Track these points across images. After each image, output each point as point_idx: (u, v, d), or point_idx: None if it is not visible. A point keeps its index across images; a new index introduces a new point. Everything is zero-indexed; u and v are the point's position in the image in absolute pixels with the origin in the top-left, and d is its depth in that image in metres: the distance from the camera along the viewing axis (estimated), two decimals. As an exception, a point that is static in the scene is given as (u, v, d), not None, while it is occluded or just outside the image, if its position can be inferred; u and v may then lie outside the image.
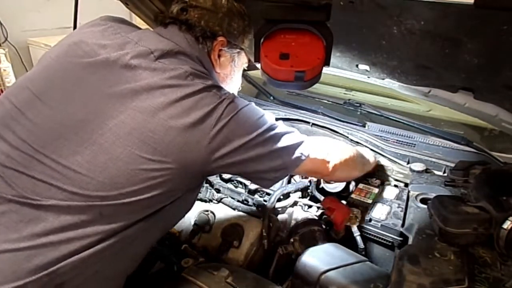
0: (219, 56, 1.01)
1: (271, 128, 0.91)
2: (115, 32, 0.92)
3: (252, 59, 1.10)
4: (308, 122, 1.65)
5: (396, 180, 1.43)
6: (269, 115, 0.94)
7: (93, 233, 0.76)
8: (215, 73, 1.03)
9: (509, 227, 0.84)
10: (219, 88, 0.90)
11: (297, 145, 0.95)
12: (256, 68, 1.13)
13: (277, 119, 1.69)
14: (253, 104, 0.92)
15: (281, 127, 0.95)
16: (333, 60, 1.01)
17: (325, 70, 0.99)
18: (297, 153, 0.94)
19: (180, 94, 0.82)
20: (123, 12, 1.72)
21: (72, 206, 0.76)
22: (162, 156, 0.79)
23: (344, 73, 1.56)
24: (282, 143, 0.92)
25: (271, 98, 2.02)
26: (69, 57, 0.88)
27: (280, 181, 1.34)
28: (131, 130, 0.79)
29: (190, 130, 0.81)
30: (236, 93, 1.10)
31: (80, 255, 0.75)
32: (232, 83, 1.11)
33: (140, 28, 1.00)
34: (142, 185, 0.79)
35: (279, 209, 1.30)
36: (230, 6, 0.99)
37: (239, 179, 1.39)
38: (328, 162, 1.04)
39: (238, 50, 1.06)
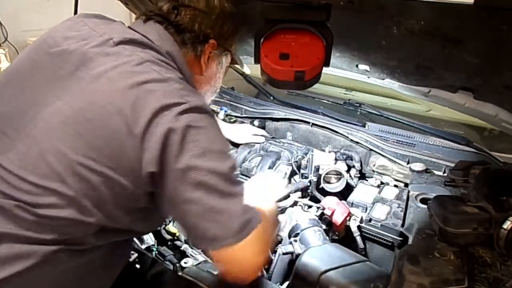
0: (208, 59, 0.97)
1: (228, 175, 0.76)
2: (83, 25, 0.85)
3: (237, 59, 1.11)
4: (308, 122, 1.65)
5: (396, 180, 1.44)
6: (232, 160, 0.81)
7: (25, 252, 0.69)
8: (195, 75, 0.96)
9: (509, 227, 0.84)
10: (187, 88, 0.80)
11: (248, 217, 0.76)
12: (237, 63, 1.13)
13: (277, 119, 1.73)
14: (220, 128, 0.81)
15: (240, 185, 0.79)
16: (333, 60, 1.01)
17: (325, 70, 0.99)
18: (238, 226, 0.74)
19: (130, 81, 0.73)
20: (123, 12, 1.72)
21: (6, 210, 0.69)
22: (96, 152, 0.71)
23: (344, 73, 1.56)
24: (230, 203, 0.75)
25: (271, 98, 2.02)
26: (34, 51, 0.84)
27: (280, 181, 1.34)
28: (66, 118, 0.71)
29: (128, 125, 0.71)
30: (214, 93, 1.09)
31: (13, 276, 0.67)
32: (215, 85, 1.06)
33: (115, 22, 0.92)
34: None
35: (279, 209, 1.30)
36: (222, 7, 0.94)
37: (239, 179, 1.38)
38: (255, 265, 0.84)
39: (226, 52, 1.01)
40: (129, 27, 0.90)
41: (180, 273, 1.03)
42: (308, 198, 1.38)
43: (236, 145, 1.53)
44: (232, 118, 1.80)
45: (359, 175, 1.44)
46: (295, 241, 1.12)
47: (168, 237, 1.28)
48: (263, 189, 1.14)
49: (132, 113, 0.71)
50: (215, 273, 1.03)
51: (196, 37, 0.92)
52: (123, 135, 0.70)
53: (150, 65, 0.78)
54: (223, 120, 1.77)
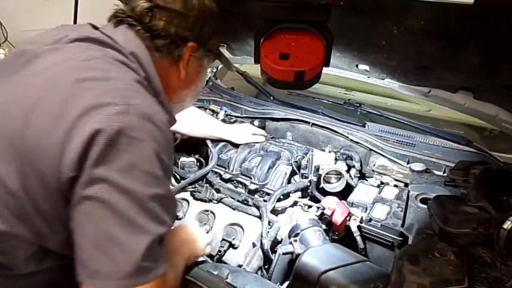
0: (188, 62, 0.90)
1: (146, 204, 0.66)
2: (58, 32, 0.82)
3: (222, 60, 1.07)
4: (308, 122, 1.65)
5: (396, 180, 1.44)
6: (161, 189, 0.69)
7: None
8: (172, 80, 0.90)
9: (509, 227, 0.84)
10: (137, 91, 0.73)
11: (147, 266, 0.66)
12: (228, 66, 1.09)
13: (277, 119, 1.73)
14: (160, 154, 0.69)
15: (160, 222, 0.68)
16: (333, 60, 1.00)
17: (325, 70, 0.99)
18: (131, 271, 0.64)
19: (69, 78, 0.69)
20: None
21: None
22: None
23: (344, 73, 1.56)
24: (134, 238, 0.64)
25: (271, 98, 2.02)
26: (9, 60, 0.82)
27: (280, 181, 1.35)
28: None
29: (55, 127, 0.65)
30: (195, 97, 1.03)
31: None
32: (196, 89, 1.00)
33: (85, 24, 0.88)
34: None
35: (279, 209, 1.30)
36: (202, 6, 0.88)
37: (239, 179, 1.39)
38: None
39: (207, 53, 0.95)
40: (97, 28, 0.85)
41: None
42: (308, 198, 1.38)
43: (236, 146, 1.53)
44: (232, 118, 1.80)
45: (359, 175, 1.44)
46: (295, 241, 1.12)
47: (168, 237, 1.28)
48: (184, 242, 1.01)
49: (61, 110, 0.65)
50: (215, 273, 1.03)
51: (173, 42, 0.85)
52: (43, 133, 0.65)
53: (98, 62, 0.74)
54: (223, 120, 1.77)
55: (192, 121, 1.51)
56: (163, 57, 0.87)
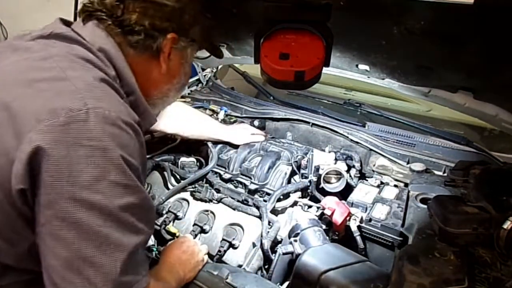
0: (169, 55, 0.83)
1: (117, 217, 0.62)
2: (43, 29, 0.77)
3: (208, 49, 1.00)
4: (308, 122, 1.65)
5: (396, 180, 1.43)
6: (134, 197, 0.65)
7: None
8: (152, 75, 0.84)
9: (509, 227, 0.84)
10: (104, 91, 0.67)
11: (126, 280, 0.64)
12: (216, 53, 1.00)
13: (277, 119, 1.73)
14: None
15: (136, 232, 0.65)
16: (333, 60, 1.00)
17: (325, 70, 0.99)
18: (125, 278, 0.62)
19: (22, 77, 0.64)
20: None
21: None
22: None
23: (344, 73, 1.56)
24: (108, 255, 0.61)
25: (271, 98, 2.03)
26: None
27: (280, 181, 1.35)
28: None
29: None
30: (180, 91, 0.96)
31: None
32: (180, 82, 0.93)
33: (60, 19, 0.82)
34: None
35: (279, 209, 1.30)
36: None
37: (239, 179, 1.38)
38: None
39: (190, 43, 0.88)
40: (69, 24, 0.79)
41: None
42: (308, 198, 1.38)
43: (235, 146, 1.53)
44: (232, 118, 1.80)
45: (359, 175, 1.44)
46: (295, 241, 1.12)
47: (168, 237, 1.28)
48: (177, 261, 0.99)
49: (10, 114, 0.60)
50: (215, 273, 1.03)
51: (148, 36, 0.78)
52: None
53: (56, 61, 0.67)
54: (223, 120, 1.77)
55: (191, 123, 1.51)
56: (139, 53, 0.79)
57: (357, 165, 1.44)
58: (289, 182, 1.38)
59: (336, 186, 1.33)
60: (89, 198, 0.59)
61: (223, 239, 1.20)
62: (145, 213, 0.69)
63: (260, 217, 1.24)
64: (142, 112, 0.82)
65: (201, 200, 1.36)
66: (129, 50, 0.78)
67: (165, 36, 0.80)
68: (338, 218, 1.15)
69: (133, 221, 0.65)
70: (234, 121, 1.78)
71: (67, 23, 0.79)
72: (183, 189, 1.40)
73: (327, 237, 1.16)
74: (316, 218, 1.25)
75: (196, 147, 1.64)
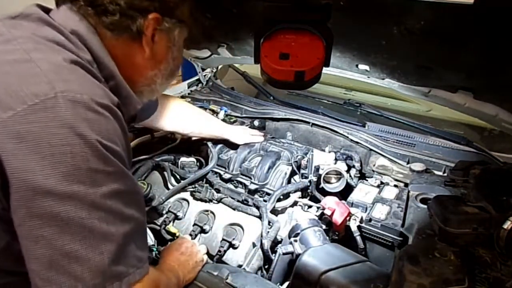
0: (153, 38, 0.76)
1: (100, 206, 0.58)
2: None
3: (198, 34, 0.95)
4: (308, 122, 1.65)
5: (396, 180, 1.44)
6: (117, 184, 0.61)
7: None
8: (136, 60, 0.77)
9: (509, 227, 0.84)
10: (74, 72, 0.61)
11: (117, 271, 0.60)
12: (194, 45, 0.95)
13: (277, 119, 1.73)
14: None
15: (124, 221, 0.61)
16: (333, 60, 1.00)
17: (325, 70, 0.99)
18: (98, 282, 0.58)
19: None
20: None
21: None
22: None
23: (344, 73, 1.56)
24: (94, 248, 0.57)
25: (271, 98, 2.03)
26: None
27: (280, 181, 1.35)
28: None
29: None
30: (171, 78, 0.89)
31: None
32: (169, 68, 0.86)
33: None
34: None
35: (279, 209, 1.30)
36: None
37: (239, 179, 1.38)
38: None
39: (178, 24, 0.80)
40: (47, 10, 0.73)
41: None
42: (308, 198, 1.38)
43: (235, 146, 1.53)
44: (232, 118, 1.80)
45: (359, 175, 1.44)
46: (295, 241, 1.12)
47: (168, 237, 1.28)
48: (176, 262, 0.98)
49: None
50: (215, 273, 1.03)
51: (125, 17, 0.71)
52: None
53: (21, 43, 0.62)
54: (223, 120, 1.77)
55: (190, 120, 1.49)
56: (117, 35, 0.73)
57: (357, 165, 1.44)
58: (289, 182, 1.38)
59: (336, 186, 1.33)
60: (67, 190, 0.55)
61: (223, 239, 1.20)
62: (132, 198, 0.65)
63: (260, 217, 1.24)
64: (125, 97, 0.75)
65: (201, 200, 1.36)
66: (105, 33, 0.72)
67: (146, 16, 0.73)
68: (338, 218, 1.15)
69: (119, 208, 0.61)
70: (234, 121, 1.78)
71: (44, 9, 0.72)
72: (183, 189, 1.40)
73: (327, 237, 1.16)
74: (316, 218, 1.25)
75: (196, 147, 1.64)
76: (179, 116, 1.46)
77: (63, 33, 0.66)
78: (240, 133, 1.56)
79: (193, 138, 1.62)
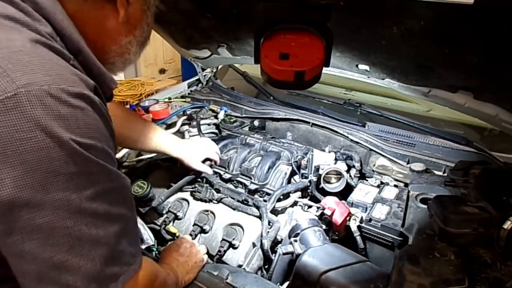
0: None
1: (85, 211, 0.54)
2: None
3: None
4: (308, 122, 1.65)
5: (396, 180, 1.44)
6: (102, 184, 0.57)
7: None
8: (108, 26, 0.69)
9: (509, 227, 0.84)
10: (36, 67, 0.51)
11: (111, 272, 0.58)
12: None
13: (277, 119, 1.73)
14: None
15: (113, 219, 0.58)
16: (333, 60, 1.00)
17: (325, 70, 0.99)
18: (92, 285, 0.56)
19: None
20: (123, 12, 1.72)
21: None
22: None
23: (344, 73, 1.56)
24: (83, 255, 0.54)
25: (271, 98, 2.03)
26: None
27: (280, 181, 1.35)
28: None
29: None
30: (143, 47, 0.82)
31: None
32: (142, 36, 0.79)
33: None
34: None
35: (279, 209, 1.30)
36: None
37: (239, 179, 1.38)
38: None
39: None
40: None
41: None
42: (308, 198, 1.38)
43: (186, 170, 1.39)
44: (232, 118, 1.80)
45: (359, 175, 1.44)
46: (295, 241, 1.12)
47: (168, 237, 1.28)
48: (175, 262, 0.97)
49: None
50: (216, 273, 1.03)
51: None
52: None
53: None
54: (223, 120, 1.77)
55: (148, 137, 1.29)
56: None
57: (357, 165, 1.44)
58: (289, 182, 1.38)
59: (336, 186, 1.33)
60: (47, 199, 0.50)
61: (223, 239, 1.20)
62: (118, 195, 0.60)
63: (260, 217, 1.24)
64: (96, 75, 0.66)
65: (201, 200, 1.36)
66: None
67: None
68: (338, 218, 1.15)
69: (106, 209, 0.57)
70: (234, 121, 1.78)
71: None
72: (181, 189, 1.40)
73: (327, 237, 1.16)
74: (316, 218, 1.25)
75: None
76: (138, 134, 1.27)
77: (17, 6, 0.56)
78: (190, 154, 1.35)
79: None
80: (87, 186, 0.54)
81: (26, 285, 0.55)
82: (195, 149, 1.38)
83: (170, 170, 1.46)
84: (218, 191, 1.37)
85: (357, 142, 1.51)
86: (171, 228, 1.27)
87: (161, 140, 1.31)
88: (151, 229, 1.30)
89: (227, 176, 1.40)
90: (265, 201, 1.28)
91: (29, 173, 0.49)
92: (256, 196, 1.34)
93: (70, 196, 0.52)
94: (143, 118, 1.51)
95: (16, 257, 0.53)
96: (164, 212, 1.34)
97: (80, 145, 0.52)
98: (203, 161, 1.39)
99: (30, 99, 0.48)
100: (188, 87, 2.16)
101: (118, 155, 1.45)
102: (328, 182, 1.34)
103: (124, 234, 0.61)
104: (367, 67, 1.36)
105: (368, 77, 1.50)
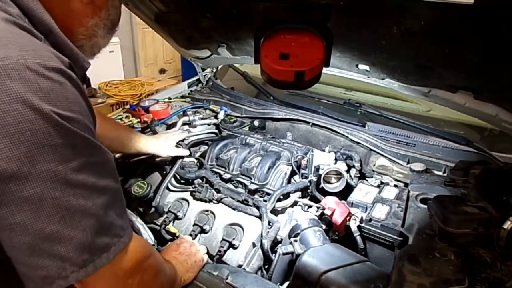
0: None
1: (72, 182, 0.54)
2: None
3: None
4: (308, 122, 1.65)
5: (396, 180, 1.44)
6: (88, 157, 0.57)
7: None
8: (73, 6, 0.69)
9: (509, 227, 0.84)
10: (10, 42, 0.52)
11: (102, 243, 0.59)
12: None
13: (277, 119, 1.73)
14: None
15: (105, 191, 0.60)
16: (333, 60, 1.00)
17: (325, 70, 0.99)
18: (83, 255, 0.57)
19: None
20: (123, 12, 1.72)
21: None
22: None
23: (344, 73, 1.56)
24: (75, 226, 0.55)
25: (271, 98, 2.03)
26: None
27: (280, 181, 1.35)
28: None
29: None
30: (112, 31, 0.81)
31: None
32: (109, 18, 0.78)
33: None
34: None
35: (279, 209, 1.30)
36: None
37: (239, 179, 1.38)
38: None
39: None
40: None
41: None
42: (308, 198, 1.38)
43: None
44: (232, 118, 1.80)
45: (359, 175, 1.44)
46: (295, 241, 1.12)
47: (168, 237, 1.28)
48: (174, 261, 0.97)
49: None
50: (216, 273, 1.03)
51: None
52: None
53: None
54: (223, 120, 1.77)
55: (120, 139, 1.35)
56: None
57: (357, 165, 1.44)
58: (289, 182, 1.38)
59: (336, 186, 1.33)
60: (34, 170, 0.51)
61: (223, 239, 1.20)
62: (103, 167, 0.61)
63: (260, 217, 1.24)
64: (69, 55, 0.65)
65: (201, 200, 1.36)
66: None
67: None
68: (338, 218, 1.15)
69: (92, 180, 0.57)
70: (234, 121, 1.78)
71: None
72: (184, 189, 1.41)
73: (327, 237, 1.16)
74: (316, 218, 1.25)
75: (196, 147, 1.64)
76: (111, 137, 1.32)
77: None
78: (162, 145, 1.43)
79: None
80: (72, 158, 0.54)
81: (18, 259, 0.55)
82: (165, 140, 1.45)
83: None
84: (218, 191, 1.37)
85: (357, 142, 1.51)
86: (171, 228, 1.27)
87: (137, 142, 1.38)
88: (151, 229, 1.30)
89: (227, 176, 1.40)
90: (265, 201, 1.28)
91: (14, 145, 0.49)
92: (256, 196, 1.34)
93: (57, 167, 0.52)
94: (117, 123, 1.56)
95: (6, 230, 0.53)
96: (164, 212, 1.34)
97: (61, 117, 0.53)
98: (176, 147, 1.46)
99: (9, 72, 0.49)
100: (188, 87, 2.16)
101: (118, 155, 1.45)
102: (328, 182, 1.34)
103: (112, 206, 0.61)
104: (367, 67, 1.36)
105: (368, 77, 1.50)
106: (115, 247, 0.61)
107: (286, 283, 1.12)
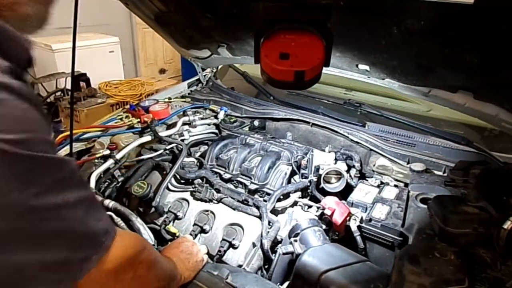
0: None
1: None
2: None
3: None
4: (308, 122, 1.65)
5: (396, 180, 1.44)
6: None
7: None
8: None
9: (509, 227, 0.84)
10: None
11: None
12: None
13: (277, 119, 1.73)
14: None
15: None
16: (333, 60, 1.00)
17: (325, 70, 0.99)
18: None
19: None
20: (123, 11, 1.73)
21: None
22: None
23: (344, 73, 1.56)
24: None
25: (271, 98, 2.03)
26: None
27: (280, 181, 1.35)
28: None
29: None
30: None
31: None
32: None
33: None
34: None
35: (279, 209, 1.30)
36: None
37: (239, 179, 1.38)
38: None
39: None
40: None
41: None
42: (308, 198, 1.38)
43: None
44: (232, 118, 1.80)
45: (359, 175, 1.44)
46: (295, 241, 1.12)
47: (168, 237, 1.28)
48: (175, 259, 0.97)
49: None
50: (216, 273, 1.03)
51: None
52: None
53: None
54: (223, 120, 1.77)
55: None
56: None
57: (357, 165, 1.44)
58: (289, 182, 1.38)
59: (336, 186, 1.33)
60: None
61: (223, 239, 1.20)
62: (71, 179, 0.56)
63: (260, 217, 1.24)
64: (5, 40, 0.53)
65: (201, 200, 1.36)
66: None
67: None
68: (338, 218, 1.15)
69: (62, 198, 0.52)
70: (234, 121, 1.78)
71: None
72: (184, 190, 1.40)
73: (327, 237, 1.16)
74: (316, 218, 1.25)
75: (196, 147, 1.64)
76: None
77: None
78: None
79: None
80: (32, 183, 0.49)
81: None
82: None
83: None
84: (218, 191, 1.37)
85: (357, 142, 1.51)
86: (171, 228, 1.27)
87: None
88: (151, 229, 1.30)
89: (227, 176, 1.40)
90: (265, 201, 1.28)
91: None
92: (256, 196, 1.34)
93: (16, 198, 0.47)
94: None
95: None
96: (164, 212, 1.34)
97: (9, 143, 0.46)
98: None
99: None
100: (188, 87, 2.16)
101: (118, 156, 1.45)
102: (328, 182, 1.34)
103: (89, 214, 0.58)
104: (367, 67, 1.36)
105: (368, 77, 1.50)
106: (97, 255, 0.58)
107: (286, 283, 1.12)
